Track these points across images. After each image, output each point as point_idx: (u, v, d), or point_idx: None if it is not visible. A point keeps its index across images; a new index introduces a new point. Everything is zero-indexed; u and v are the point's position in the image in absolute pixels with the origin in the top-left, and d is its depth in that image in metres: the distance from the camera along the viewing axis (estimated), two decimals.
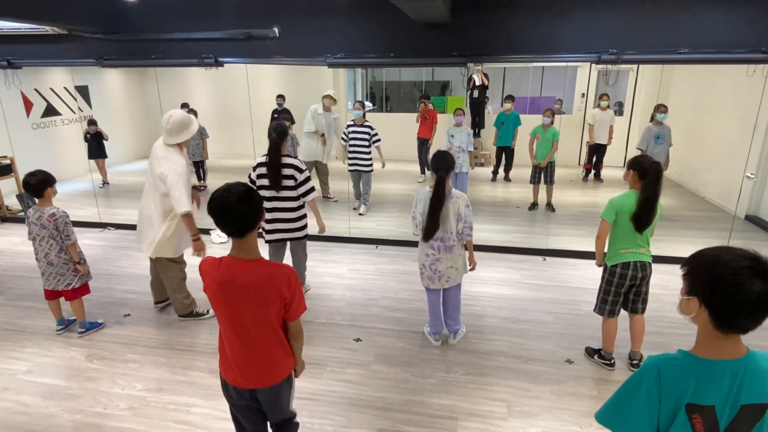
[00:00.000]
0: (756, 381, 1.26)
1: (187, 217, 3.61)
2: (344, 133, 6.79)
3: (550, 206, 6.93)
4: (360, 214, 6.81)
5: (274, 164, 3.78)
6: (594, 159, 8.43)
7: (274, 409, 2.15)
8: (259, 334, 1.94)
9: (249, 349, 1.96)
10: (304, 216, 4.05)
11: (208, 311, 4.13)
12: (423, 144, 8.47)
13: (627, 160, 9.36)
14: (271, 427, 2.27)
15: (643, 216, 3.07)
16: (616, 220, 3.18)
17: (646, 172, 3.03)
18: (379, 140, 6.69)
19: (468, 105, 9.49)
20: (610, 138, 8.12)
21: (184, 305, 4.06)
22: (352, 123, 6.71)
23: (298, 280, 1.97)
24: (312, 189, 3.93)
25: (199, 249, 3.72)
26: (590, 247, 5.49)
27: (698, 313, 1.26)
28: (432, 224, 3.33)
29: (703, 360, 1.28)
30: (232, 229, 1.85)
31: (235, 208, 1.81)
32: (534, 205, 7.03)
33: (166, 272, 3.96)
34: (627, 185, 3.21)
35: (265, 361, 2.00)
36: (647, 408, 1.31)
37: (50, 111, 8.56)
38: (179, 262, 4.00)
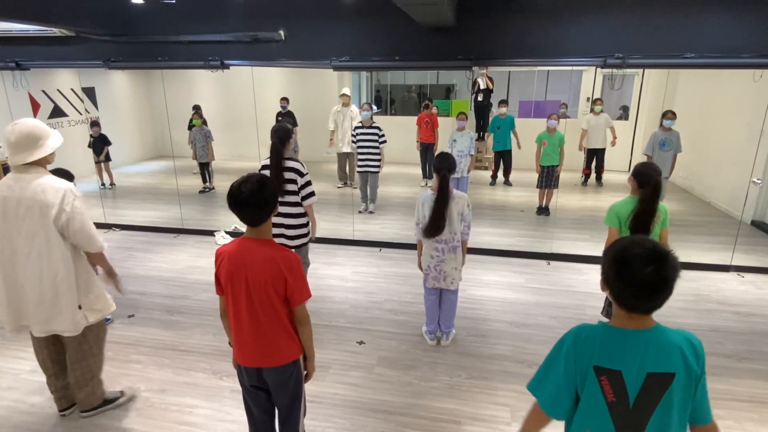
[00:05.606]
0: (661, 351, 1.39)
1: (103, 255, 2.78)
2: (353, 134, 6.84)
3: (546, 209, 6.94)
4: (370, 212, 6.99)
5: (275, 169, 3.71)
6: (593, 164, 8.42)
7: (281, 393, 2.23)
8: (263, 314, 2.05)
9: (254, 328, 2.06)
10: (306, 224, 3.95)
11: (123, 394, 3.11)
12: (427, 149, 8.47)
13: (632, 164, 9.41)
14: (279, 415, 2.33)
15: (639, 227, 3.04)
16: (620, 223, 3.16)
17: (646, 184, 3.02)
18: (385, 141, 6.76)
19: (472, 108, 9.50)
20: (614, 139, 8.09)
21: (101, 390, 2.99)
22: (360, 125, 6.75)
23: (301, 267, 2.08)
24: (312, 194, 3.80)
25: (112, 277, 2.88)
26: (594, 251, 5.52)
27: (607, 290, 1.44)
28: (437, 223, 3.35)
29: (611, 327, 1.45)
30: (246, 219, 2.02)
31: (247, 201, 1.95)
32: (540, 209, 7.02)
33: (95, 341, 2.84)
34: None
35: (269, 342, 2.09)
36: (564, 369, 1.46)
37: (57, 112, 8.62)
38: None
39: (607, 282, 1.43)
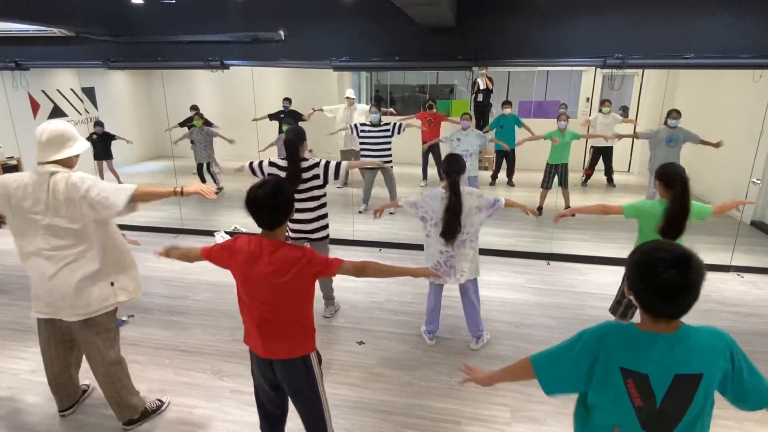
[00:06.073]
0: (688, 352, 1.39)
1: (143, 190, 2.74)
2: (354, 126, 6.73)
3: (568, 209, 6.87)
4: (391, 213, 6.93)
5: (293, 171, 3.60)
6: (598, 164, 8.37)
7: (296, 393, 2.23)
8: (277, 312, 2.08)
9: (264, 321, 2.09)
10: (324, 216, 3.89)
11: (162, 402, 3.07)
12: (430, 148, 8.44)
13: (632, 164, 9.36)
14: (303, 424, 2.31)
15: (670, 230, 2.92)
16: (641, 224, 3.09)
17: (672, 183, 2.92)
18: (401, 125, 6.71)
19: (472, 109, 9.49)
20: (634, 120, 7.98)
21: (137, 398, 2.93)
22: (369, 124, 6.65)
23: (313, 251, 2.11)
24: (338, 164, 3.69)
25: (205, 190, 2.73)
26: (595, 251, 5.52)
27: (632, 295, 1.44)
28: (453, 226, 3.30)
29: (638, 330, 1.45)
30: (263, 222, 2.05)
31: (264, 204, 1.99)
32: (540, 210, 7.01)
33: (109, 337, 2.80)
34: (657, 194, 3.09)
35: (280, 336, 2.11)
36: (576, 361, 1.51)
37: (57, 112, 8.60)
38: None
39: (631, 287, 1.43)
